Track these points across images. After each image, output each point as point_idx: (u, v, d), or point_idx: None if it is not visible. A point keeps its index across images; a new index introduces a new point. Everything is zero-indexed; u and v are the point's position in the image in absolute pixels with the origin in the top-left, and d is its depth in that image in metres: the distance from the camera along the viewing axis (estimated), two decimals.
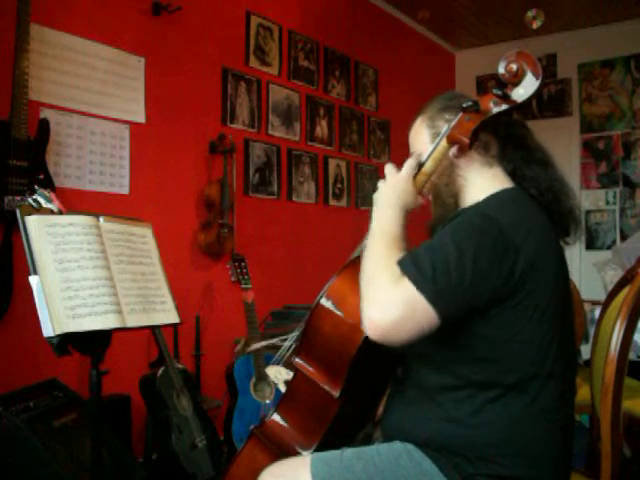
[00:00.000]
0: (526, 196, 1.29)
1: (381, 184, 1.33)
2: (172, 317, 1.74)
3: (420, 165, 1.31)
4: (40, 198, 1.56)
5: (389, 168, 1.33)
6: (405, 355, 1.34)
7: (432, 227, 1.36)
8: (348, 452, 1.25)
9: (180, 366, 2.70)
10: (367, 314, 1.12)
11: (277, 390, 2.85)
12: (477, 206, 1.26)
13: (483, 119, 1.23)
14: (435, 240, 1.17)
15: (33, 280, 1.44)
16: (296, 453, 1.37)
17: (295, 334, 1.56)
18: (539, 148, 1.35)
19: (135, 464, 2.32)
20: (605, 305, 1.71)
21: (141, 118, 3.05)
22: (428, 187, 1.35)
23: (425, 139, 1.37)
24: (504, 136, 1.33)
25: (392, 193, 1.28)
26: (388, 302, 1.10)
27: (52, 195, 1.60)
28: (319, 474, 1.21)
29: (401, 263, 1.14)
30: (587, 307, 2.98)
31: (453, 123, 1.25)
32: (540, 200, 1.29)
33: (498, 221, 1.17)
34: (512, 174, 1.33)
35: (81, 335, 1.47)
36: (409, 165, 1.31)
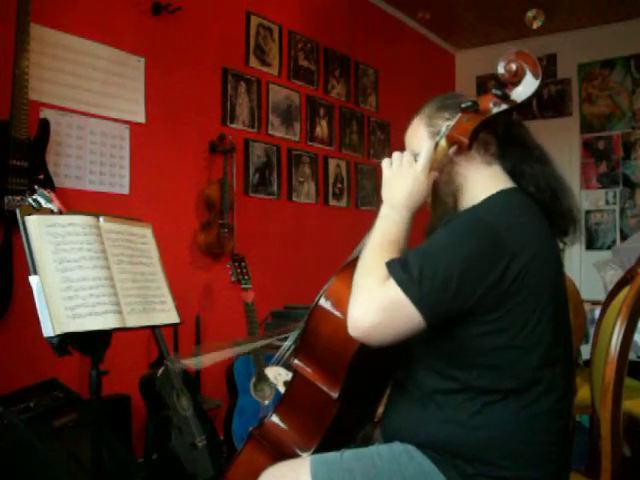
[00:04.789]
0: (524, 197, 1.28)
1: (390, 176, 1.27)
2: (172, 317, 1.74)
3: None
4: (40, 198, 1.56)
5: (406, 156, 1.28)
6: (405, 357, 1.33)
7: (430, 229, 1.33)
8: (348, 453, 1.25)
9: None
10: (351, 313, 1.12)
11: (277, 391, 2.85)
12: (474, 210, 1.24)
13: (482, 119, 1.22)
14: (427, 243, 1.17)
15: (33, 280, 1.44)
16: (295, 455, 1.36)
17: (294, 334, 1.56)
18: (537, 146, 1.35)
19: (135, 464, 2.32)
20: (605, 305, 1.71)
21: (141, 118, 3.05)
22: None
23: (424, 138, 1.34)
24: (503, 135, 1.32)
25: (404, 195, 1.25)
26: (371, 303, 1.10)
27: (52, 195, 1.60)
28: (319, 475, 1.21)
29: (389, 265, 1.14)
30: (587, 307, 2.97)
31: (452, 123, 1.24)
32: (539, 198, 1.28)
33: (494, 226, 1.15)
34: (511, 172, 1.32)
35: (81, 335, 1.47)
36: (425, 157, 1.26)
